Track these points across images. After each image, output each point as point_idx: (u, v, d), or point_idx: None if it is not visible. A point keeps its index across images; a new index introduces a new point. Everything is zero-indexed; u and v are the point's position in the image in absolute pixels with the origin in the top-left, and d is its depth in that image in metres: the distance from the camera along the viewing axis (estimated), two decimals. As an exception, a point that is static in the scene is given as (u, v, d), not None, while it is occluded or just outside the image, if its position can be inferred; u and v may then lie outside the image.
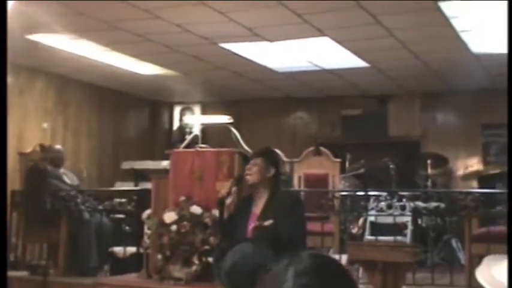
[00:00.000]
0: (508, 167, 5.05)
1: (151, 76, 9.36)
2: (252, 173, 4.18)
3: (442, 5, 6.03)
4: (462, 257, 7.66)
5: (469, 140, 10.12)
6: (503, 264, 2.43)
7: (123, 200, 6.50)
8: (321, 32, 6.98)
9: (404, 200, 7.10)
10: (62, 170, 6.96)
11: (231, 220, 4.27)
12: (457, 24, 6.61)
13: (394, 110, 10.60)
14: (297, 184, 7.48)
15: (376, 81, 9.52)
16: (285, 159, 7.76)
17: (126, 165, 10.00)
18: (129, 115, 11.15)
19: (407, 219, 7.41)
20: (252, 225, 4.14)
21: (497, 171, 9.53)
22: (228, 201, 4.28)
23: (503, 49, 7.57)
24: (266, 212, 4.14)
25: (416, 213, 7.20)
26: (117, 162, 10.19)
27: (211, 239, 5.44)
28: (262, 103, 11.05)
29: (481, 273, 2.43)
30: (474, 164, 10.12)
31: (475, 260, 5.88)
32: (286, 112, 11.17)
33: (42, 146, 7.36)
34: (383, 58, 8.20)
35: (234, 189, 4.31)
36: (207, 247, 5.46)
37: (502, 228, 5.62)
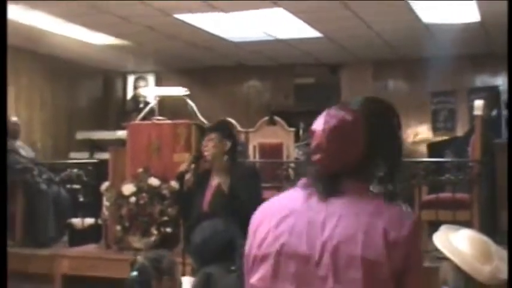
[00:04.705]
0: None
1: (104, 46, 9.29)
2: (209, 149, 4.27)
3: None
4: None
5: (419, 108, 10.34)
6: (460, 233, 2.59)
7: (81, 171, 6.51)
8: (275, 3, 7.04)
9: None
10: (18, 143, 6.91)
11: (189, 193, 4.37)
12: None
13: (346, 78, 10.75)
14: (252, 154, 7.59)
15: (328, 50, 9.63)
16: (239, 128, 7.85)
17: (80, 135, 9.96)
18: (82, 85, 11.05)
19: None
20: (209, 197, 4.24)
21: (445, 137, 9.82)
22: (187, 177, 4.37)
23: (452, 19, 7.79)
24: (224, 182, 4.25)
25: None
26: (71, 133, 10.13)
27: (169, 210, 5.56)
28: (215, 72, 11.06)
29: (439, 238, 2.60)
30: (424, 131, 10.39)
31: (424, 226, 6.10)
32: (239, 81, 11.21)
33: None
34: (336, 28, 8.31)
35: (192, 166, 4.40)
36: (165, 218, 5.57)
37: (449, 195, 5.85)
